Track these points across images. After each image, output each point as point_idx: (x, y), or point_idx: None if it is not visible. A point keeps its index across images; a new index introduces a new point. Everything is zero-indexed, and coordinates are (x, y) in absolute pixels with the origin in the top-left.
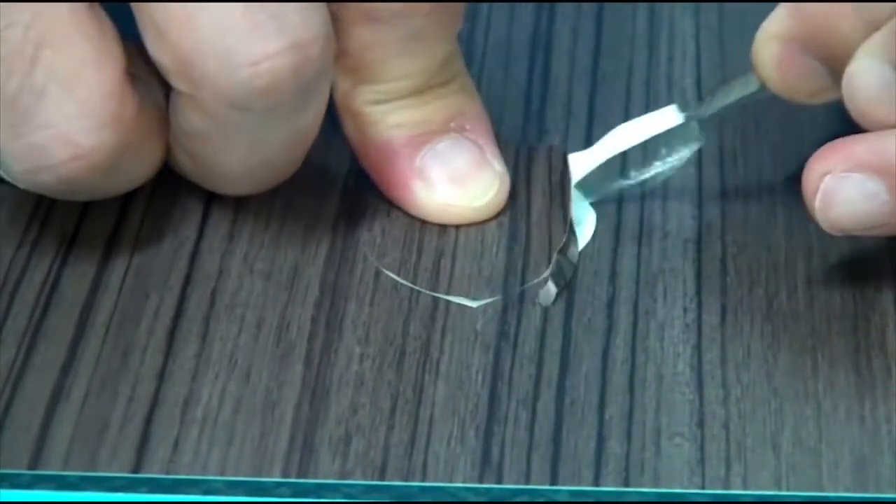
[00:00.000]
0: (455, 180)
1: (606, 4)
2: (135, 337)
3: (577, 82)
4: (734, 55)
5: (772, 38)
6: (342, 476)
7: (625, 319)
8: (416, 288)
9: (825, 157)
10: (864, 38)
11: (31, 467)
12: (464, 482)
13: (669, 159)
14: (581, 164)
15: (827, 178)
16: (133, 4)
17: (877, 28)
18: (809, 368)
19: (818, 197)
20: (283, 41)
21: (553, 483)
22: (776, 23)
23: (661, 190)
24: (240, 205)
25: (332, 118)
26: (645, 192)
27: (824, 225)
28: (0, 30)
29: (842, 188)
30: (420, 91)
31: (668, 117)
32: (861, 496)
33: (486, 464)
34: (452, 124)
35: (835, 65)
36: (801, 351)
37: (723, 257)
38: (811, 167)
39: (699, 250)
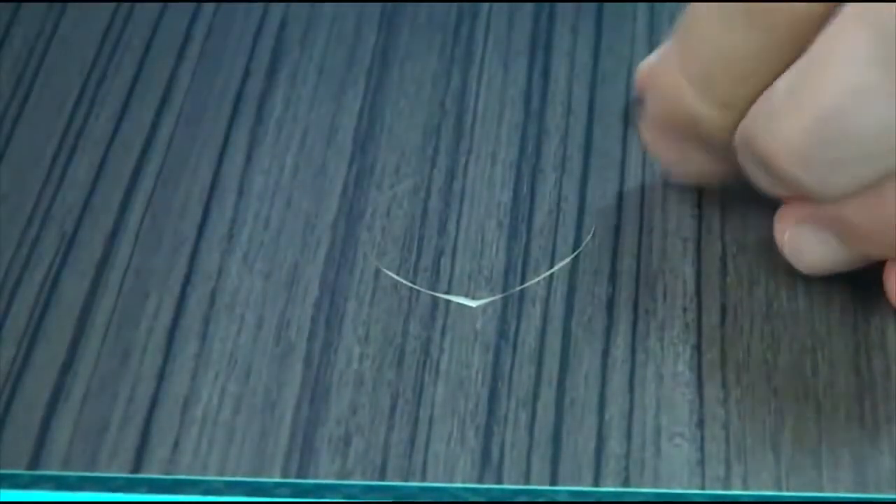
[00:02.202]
0: None
1: (606, 4)
2: (134, 337)
3: (577, 82)
4: None
5: (646, 131)
6: (342, 476)
7: (625, 319)
8: (416, 287)
9: (782, 218)
10: (712, 115)
11: (30, 467)
12: (463, 482)
13: None
14: None
15: (787, 234)
16: None
17: (725, 104)
18: (809, 368)
19: (787, 251)
20: None
21: (553, 483)
22: (644, 117)
23: (660, 189)
24: (240, 205)
25: (332, 121)
26: (645, 192)
27: (806, 272)
28: None
29: (801, 238)
30: None
31: None
32: (861, 496)
33: (486, 464)
34: None
35: (703, 146)
36: (801, 351)
37: (723, 257)
38: (776, 228)
39: (699, 250)
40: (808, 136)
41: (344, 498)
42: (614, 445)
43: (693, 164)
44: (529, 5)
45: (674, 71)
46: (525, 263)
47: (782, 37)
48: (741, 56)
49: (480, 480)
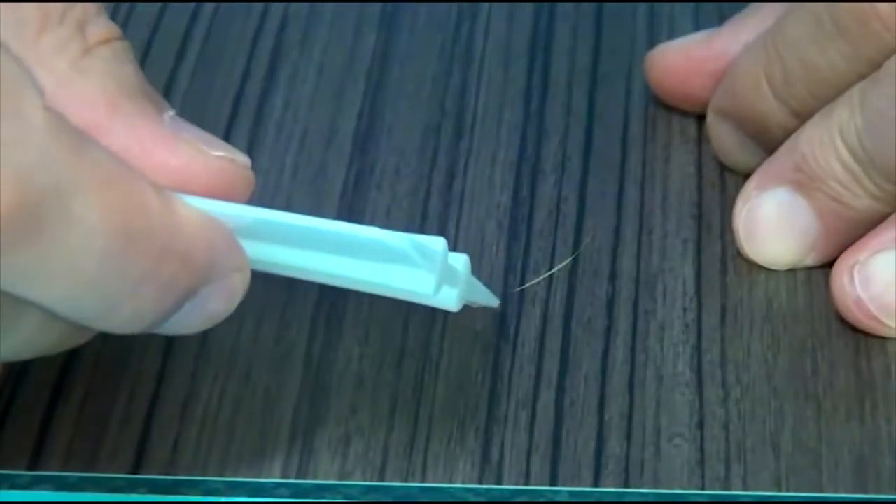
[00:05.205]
0: None
1: (606, 4)
2: (135, 337)
3: (577, 82)
4: None
5: (713, 112)
6: (341, 477)
7: (625, 320)
8: None
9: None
10: (782, 119)
11: (30, 468)
12: (463, 483)
13: None
14: None
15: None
16: None
17: (795, 111)
18: (809, 368)
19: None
20: None
21: (553, 484)
22: (715, 99)
23: (660, 189)
24: None
25: (332, 121)
26: (644, 192)
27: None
28: None
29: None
30: None
31: None
32: (861, 497)
33: (486, 464)
34: None
35: (763, 143)
36: (801, 351)
37: (723, 257)
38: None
39: (699, 250)
40: None
41: (343, 498)
42: (614, 446)
43: (744, 155)
44: (529, 5)
45: (757, 67)
46: (525, 264)
47: (868, 59)
48: (824, 70)
49: (480, 481)
